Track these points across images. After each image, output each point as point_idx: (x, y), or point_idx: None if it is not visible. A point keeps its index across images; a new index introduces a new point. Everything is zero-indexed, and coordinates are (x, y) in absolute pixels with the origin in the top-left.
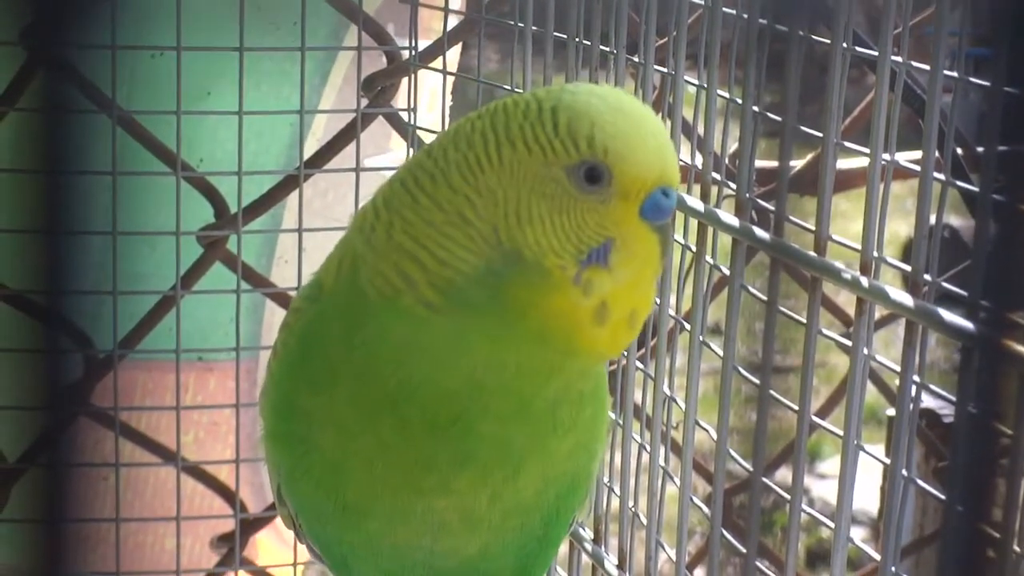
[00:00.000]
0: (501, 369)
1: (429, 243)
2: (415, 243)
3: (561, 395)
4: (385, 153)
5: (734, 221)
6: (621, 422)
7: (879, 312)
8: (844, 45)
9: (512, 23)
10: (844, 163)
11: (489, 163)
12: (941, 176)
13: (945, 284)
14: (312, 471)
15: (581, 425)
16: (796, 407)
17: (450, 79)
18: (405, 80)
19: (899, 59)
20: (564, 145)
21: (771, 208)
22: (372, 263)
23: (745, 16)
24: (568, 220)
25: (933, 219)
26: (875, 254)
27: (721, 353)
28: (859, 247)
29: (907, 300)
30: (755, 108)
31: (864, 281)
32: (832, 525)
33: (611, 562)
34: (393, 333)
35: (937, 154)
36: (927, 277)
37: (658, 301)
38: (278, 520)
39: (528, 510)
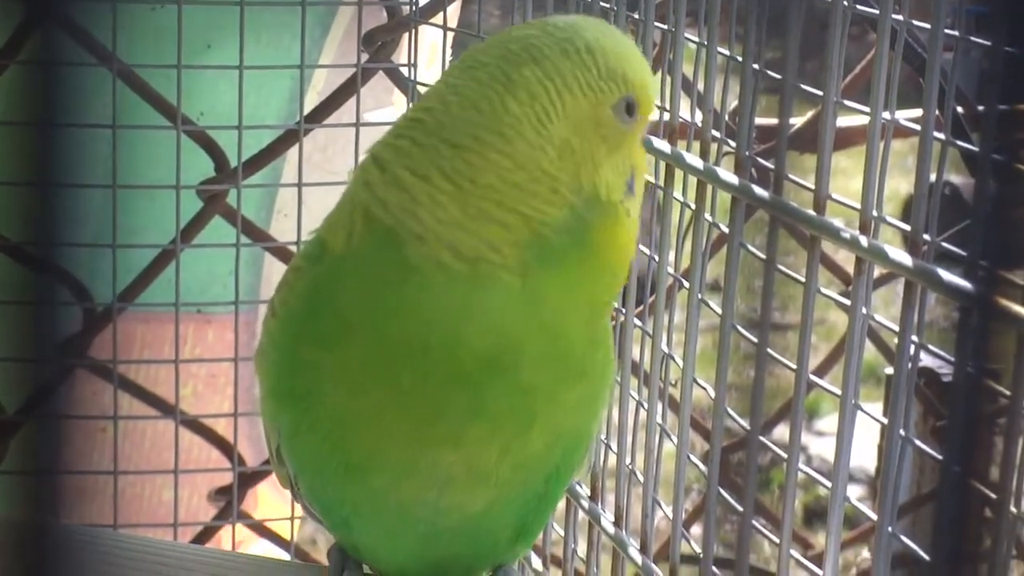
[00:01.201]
0: (536, 321)
1: (519, 204)
2: (501, 208)
3: (576, 343)
4: (385, 108)
5: (733, 179)
6: (619, 379)
7: (878, 271)
8: (845, 2)
9: None
10: (844, 121)
11: (556, 113)
12: (941, 135)
13: (944, 244)
14: (316, 426)
15: (590, 372)
16: (794, 365)
17: (450, 34)
18: (406, 35)
19: (900, 17)
20: (608, 85)
21: (771, 166)
22: (441, 234)
23: None
24: (619, 156)
25: (933, 177)
26: (875, 213)
27: (720, 310)
28: (859, 206)
29: (906, 259)
30: (755, 65)
31: (863, 240)
32: (829, 483)
33: (607, 519)
34: (434, 294)
35: (937, 112)
36: (926, 236)
37: (657, 258)
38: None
39: (535, 466)
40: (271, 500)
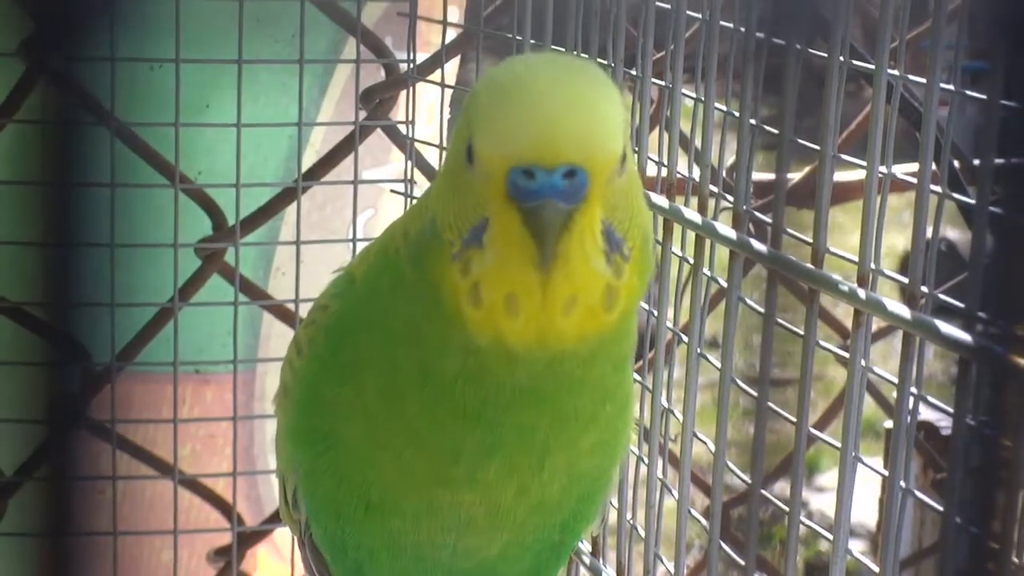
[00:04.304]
0: (482, 353)
1: (413, 214)
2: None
3: (570, 383)
4: (383, 166)
5: (731, 233)
6: None
7: (877, 324)
8: (841, 58)
9: (510, 36)
10: (841, 176)
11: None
12: (938, 189)
13: (942, 296)
14: (336, 466)
15: (603, 421)
16: (794, 419)
17: (448, 91)
18: (403, 93)
19: (896, 72)
20: (463, 124)
21: (768, 220)
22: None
23: (742, 29)
24: (458, 196)
25: (930, 232)
26: (872, 266)
27: (719, 365)
28: (856, 259)
29: (904, 312)
30: (752, 121)
31: (861, 293)
32: (831, 538)
33: (609, 575)
34: (416, 317)
35: (934, 167)
36: (924, 289)
37: (655, 313)
38: (275, 534)
39: (551, 509)
40: (270, 560)
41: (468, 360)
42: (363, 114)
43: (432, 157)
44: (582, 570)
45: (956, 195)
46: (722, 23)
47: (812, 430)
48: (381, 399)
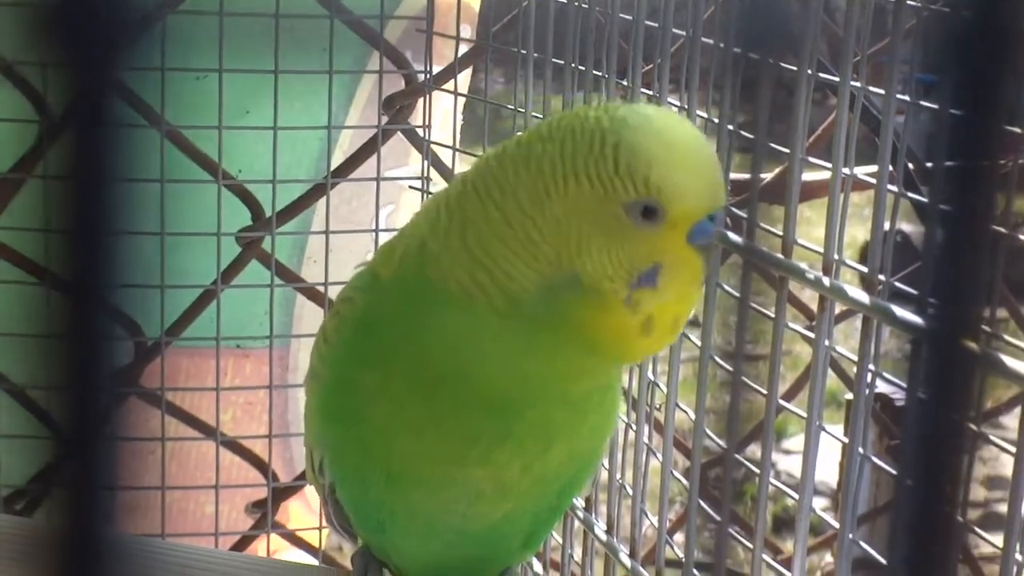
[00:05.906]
0: (549, 370)
1: (499, 258)
2: (487, 255)
3: (592, 385)
4: (403, 166)
5: None
6: None
7: (839, 308)
8: (809, 71)
9: (516, 50)
10: (809, 176)
11: (556, 192)
12: (894, 188)
13: (897, 283)
14: (362, 440)
15: (601, 405)
16: (765, 391)
17: (461, 99)
18: (421, 100)
19: (858, 84)
20: (624, 184)
21: (744, 215)
22: (447, 264)
23: (722, 45)
24: (623, 250)
25: (887, 226)
26: (836, 257)
27: (699, 343)
28: (822, 250)
29: (864, 298)
30: (730, 127)
31: (826, 280)
32: (796, 496)
33: (600, 528)
34: (458, 325)
35: (891, 168)
36: (881, 277)
37: None
38: (306, 489)
39: (550, 481)
40: (301, 513)
41: (525, 367)
42: (385, 119)
43: (446, 158)
44: (576, 523)
45: (910, 194)
46: (704, 39)
47: (781, 400)
48: (407, 387)
